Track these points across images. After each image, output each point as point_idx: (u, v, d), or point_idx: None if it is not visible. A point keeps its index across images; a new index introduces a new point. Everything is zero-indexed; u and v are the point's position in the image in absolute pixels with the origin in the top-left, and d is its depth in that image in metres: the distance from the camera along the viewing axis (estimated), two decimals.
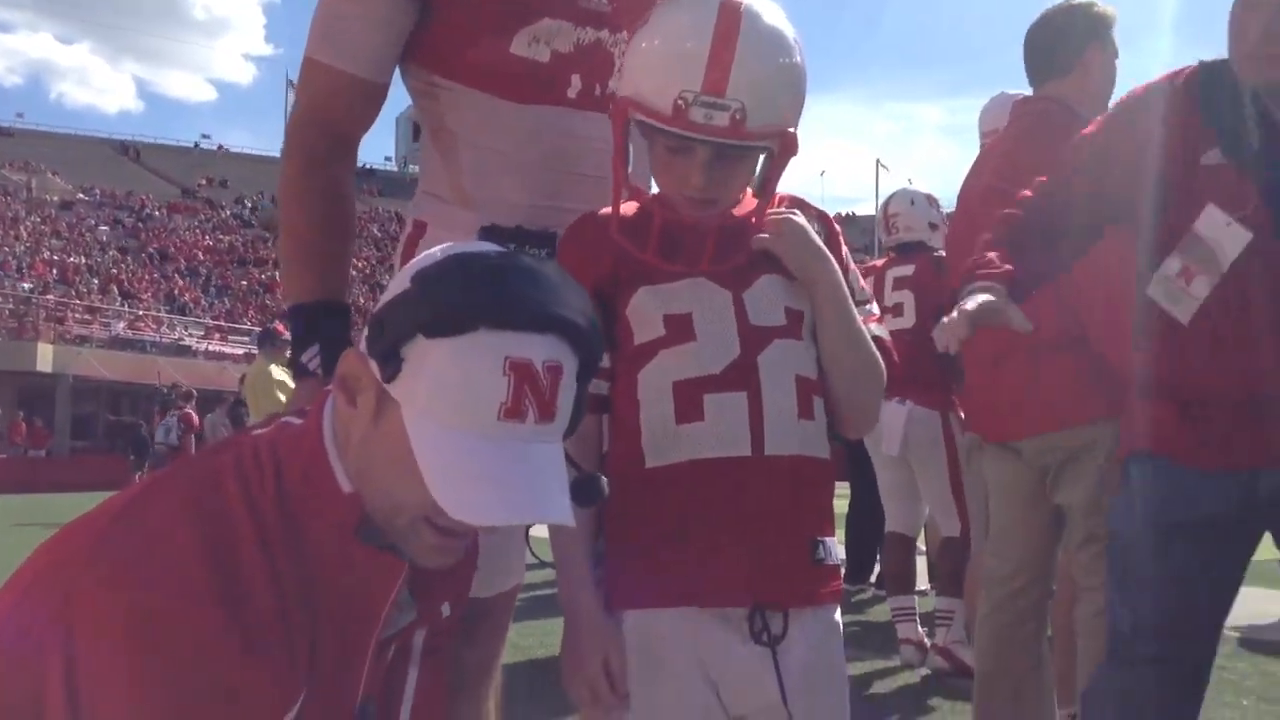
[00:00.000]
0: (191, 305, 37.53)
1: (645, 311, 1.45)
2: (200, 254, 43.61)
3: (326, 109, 1.60)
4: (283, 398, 8.89)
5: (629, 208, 1.50)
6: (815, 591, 1.43)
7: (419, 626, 1.27)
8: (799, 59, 1.41)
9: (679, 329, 1.43)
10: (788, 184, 1.54)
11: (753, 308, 1.45)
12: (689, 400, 1.41)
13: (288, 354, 1.67)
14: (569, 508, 1.10)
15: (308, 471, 1.12)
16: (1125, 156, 1.97)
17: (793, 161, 1.46)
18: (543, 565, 1.67)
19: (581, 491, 1.15)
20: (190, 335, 33.14)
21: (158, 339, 31.88)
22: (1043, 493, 2.66)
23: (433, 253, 1.15)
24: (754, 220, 1.49)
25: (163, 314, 34.59)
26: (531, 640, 4.86)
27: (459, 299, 1.06)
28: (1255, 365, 1.85)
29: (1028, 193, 2.13)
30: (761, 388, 1.41)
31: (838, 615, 1.49)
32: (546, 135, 1.65)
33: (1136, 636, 1.95)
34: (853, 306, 1.49)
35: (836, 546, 1.47)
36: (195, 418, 16.39)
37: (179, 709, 0.99)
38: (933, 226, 4.72)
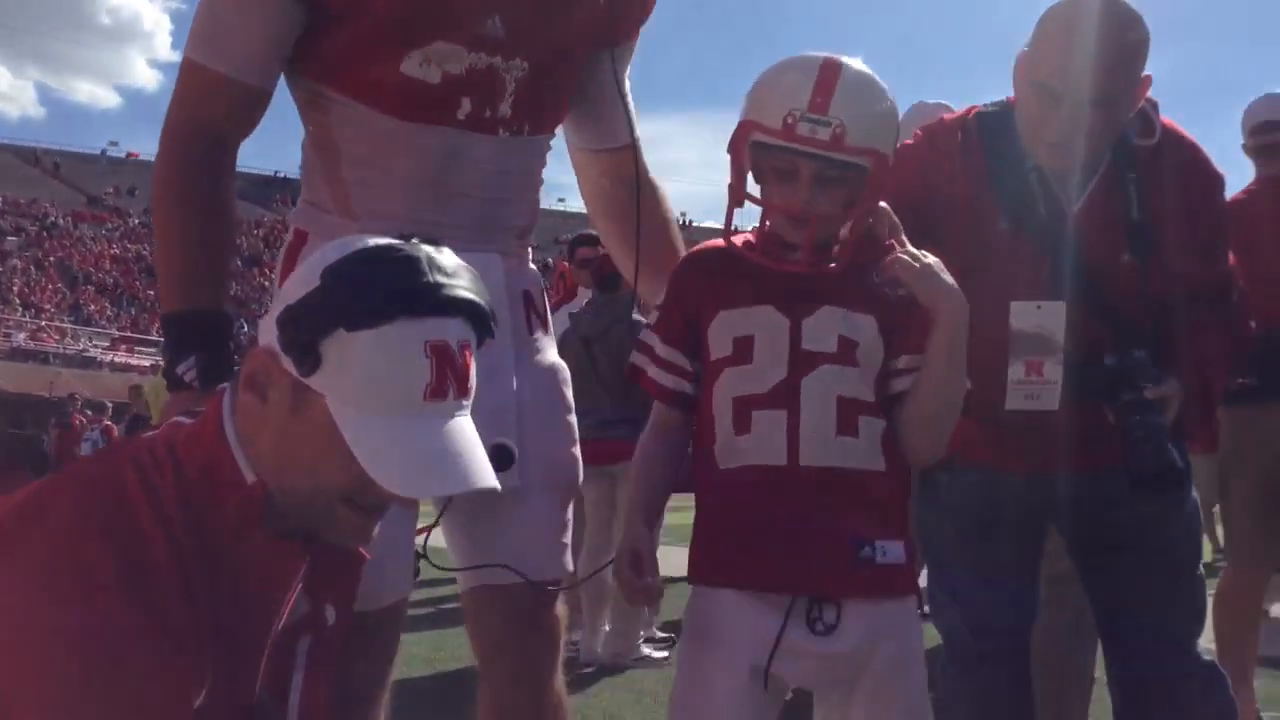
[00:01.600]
0: (97, 316, 36.54)
1: (719, 333, 1.66)
2: (107, 263, 42.51)
3: (206, 112, 1.57)
4: None
5: (740, 237, 1.71)
6: (864, 586, 1.58)
7: (304, 632, 1.30)
8: (891, 100, 1.64)
9: (742, 350, 1.64)
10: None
11: (807, 335, 1.63)
12: (742, 414, 1.62)
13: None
14: (493, 475, 1.19)
15: (209, 464, 1.16)
16: (930, 196, 2.06)
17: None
18: (440, 580, 1.73)
19: (497, 459, 1.24)
20: (95, 346, 32.26)
21: (61, 350, 30.97)
22: None
23: (334, 248, 1.19)
24: (866, 266, 1.66)
25: (66, 324, 33.60)
26: (442, 653, 4.88)
27: (378, 292, 1.13)
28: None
29: None
30: (801, 406, 1.60)
31: (905, 608, 1.64)
32: (432, 154, 1.66)
33: (969, 638, 2.09)
34: (963, 348, 1.64)
35: (894, 547, 1.61)
36: (114, 429, 16.02)
37: (87, 697, 1.01)
38: None
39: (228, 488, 1.16)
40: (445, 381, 1.15)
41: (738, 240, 1.70)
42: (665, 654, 5.08)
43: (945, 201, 2.05)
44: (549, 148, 1.85)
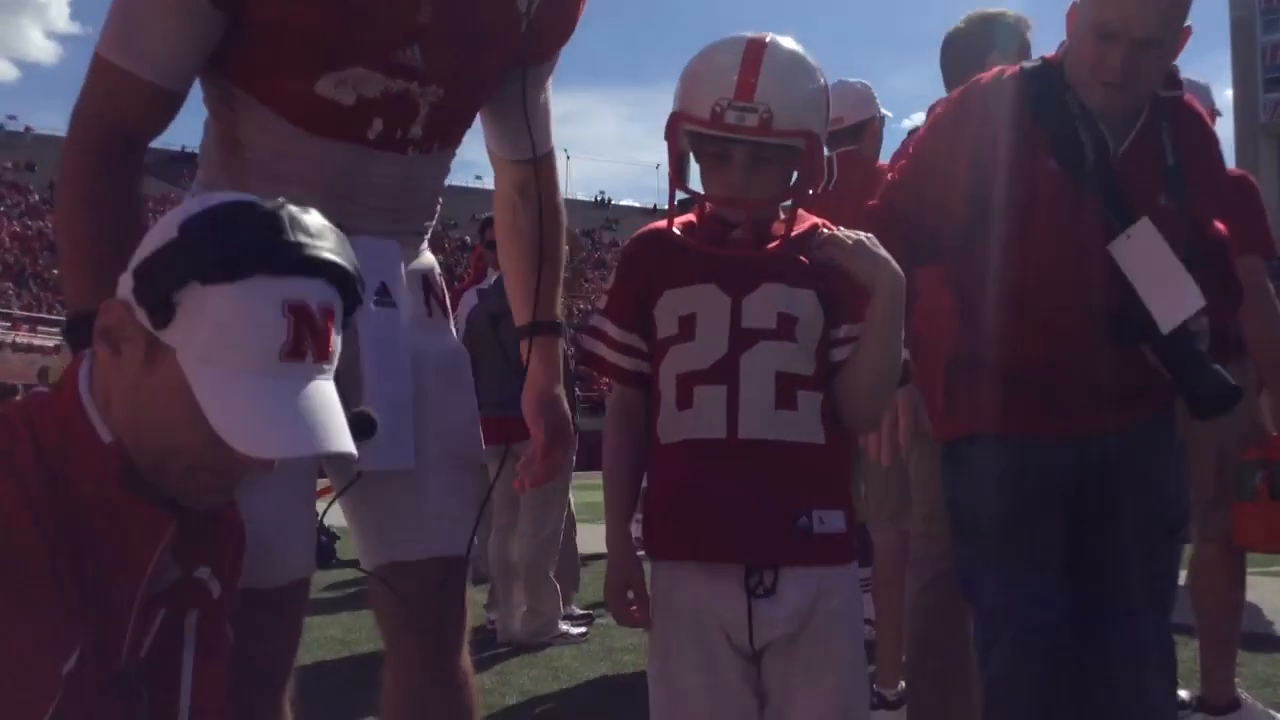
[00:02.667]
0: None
1: (666, 312, 1.72)
2: (7, 240, 41.03)
3: (119, 113, 1.53)
4: None
5: (683, 218, 1.76)
6: (800, 554, 1.65)
7: (189, 606, 1.28)
8: (819, 77, 1.68)
9: (685, 329, 1.70)
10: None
11: (747, 312, 1.68)
12: (685, 390, 1.68)
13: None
14: (349, 439, 1.17)
15: (64, 427, 1.13)
16: (969, 154, 2.14)
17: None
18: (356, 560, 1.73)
19: (357, 426, 1.21)
20: None
21: None
22: None
23: (195, 202, 1.17)
24: (802, 239, 1.69)
25: None
26: (356, 635, 4.85)
27: (235, 246, 1.10)
28: (1083, 348, 2.08)
29: (897, 200, 2.23)
30: (740, 382, 1.65)
31: (843, 574, 1.70)
32: (337, 168, 1.65)
33: (1010, 611, 2.10)
34: (901, 319, 1.69)
35: (833, 516, 1.68)
36: None
37: None
38: None
39: (84, 449, 1.13)
40: (303, 342, 1.12)
41: (681, 221, 1.74)
42: (583, 630, 5.12)
43: (991, 157, 2.12)
44: (454, 156, 1.85)
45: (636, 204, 77.92)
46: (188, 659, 1.27)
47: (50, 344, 30.35)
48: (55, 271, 37.70)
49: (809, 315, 1.69)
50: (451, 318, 1.92)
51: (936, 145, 2.25)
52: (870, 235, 1.68)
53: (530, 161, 1.86)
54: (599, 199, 77.58)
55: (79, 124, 1.54)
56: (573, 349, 5.10)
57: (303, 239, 1.14)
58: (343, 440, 1.15)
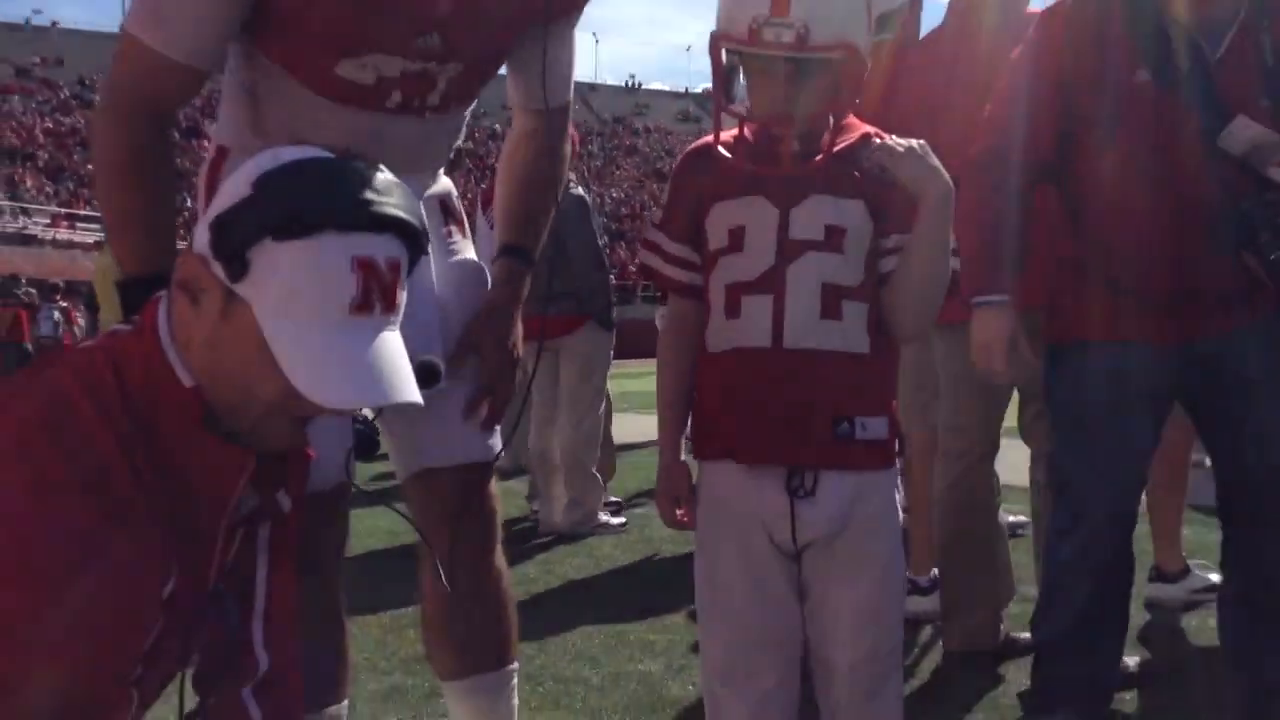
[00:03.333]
0: (34, 192, 35.50)
1: (716, 224, 1.75)
2: (41, 137, 41.10)
3: (148, 88, 1.58)
4: None
5: (729, 133, 1.77)
6: (840, 458, 1.70)
7: (263, 520, 1.35)
8: None
9: (735, 240, 1.73)
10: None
11: (795, 224, 1.70)
12: (733, 299, 1.72)
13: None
14: (416, 390, 1.22)
15: (148, 370, 1.18)
16: (1059, 73, 2.18)
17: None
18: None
19: (423, 375, 1.27)
20: (35, 224, 31.42)
21: (1, 229, 30.17)
22: (988, 373, 2.83)
23: (268, 157, 1.20)
24: (851, 149, 1.71)
25: (4, 203, 32.65)
26: (404, 525, 4.99)
27: (305, 204, 1.13)
28: (1181, 255, 2.13)
29: (980, 147, 2.29)
30: (786, 292, 1.68)
31: (882, 478, 1.75)
32: (355, 133, 1.67)
33: (1092, 498, 2.24)
34: (949, 229, 1.70)
35: (875, 423, 1.72)
36: (73, 311, 15.82)
37: (68, 593, 1.05)
38: None
39: (167, 392, 1.18)
40: (371, 296, 1.16)
41: (730, 134, 1.76)
42: (623, 520, 5.24)
43: (1084, 61, 2.16)
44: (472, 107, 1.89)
45: (667, 87, 76.74)
46: (262, 567, 1.36)
47: (90, 240, 30.61)
48: (90, 167, 37.83)
49: (857, 226, 1.71)
50: (469, 236, 1.97)
51: (1023, 76, 2.26)
52: (921, 142, 1.68)
53: (537, 112, 1.89)
54: (629, 83, 76.25)
55: (110, 98, 1.59)
56: (604, 238, 5.14)
57: (370, 196, 1.16)
58: (410, 390, 1.20)
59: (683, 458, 1.85)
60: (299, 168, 1.17)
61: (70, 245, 30.48)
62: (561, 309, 4.73)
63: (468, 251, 1.93)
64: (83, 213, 33.11)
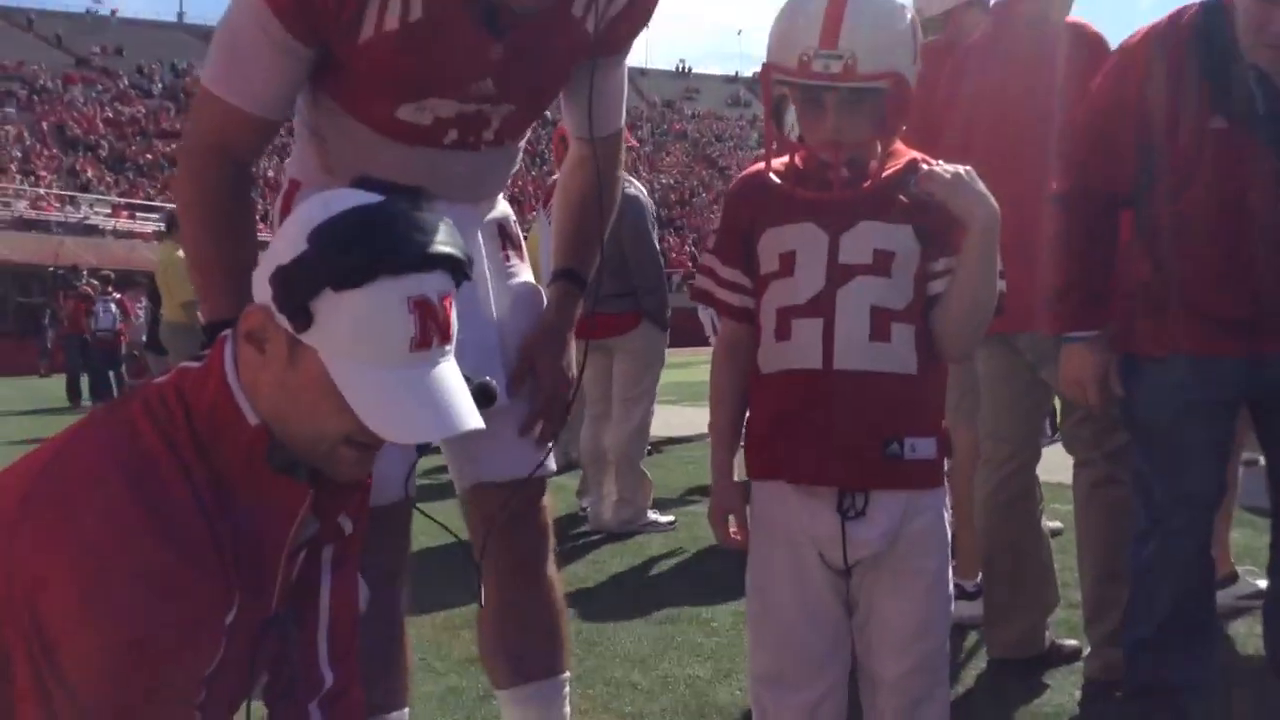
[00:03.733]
0: (95, 182, 36.21)
1: (768, 249, 1.81)
2: (101, 126, 41.88)
3: (226, 141, 1.66)
4: None
5: (780, 159, 1.84)
6: (889, 479, 1.75)
7: (325, 542, 1.44)
8: (905, 15, 1.70)
9: (785, 265, 1.78)
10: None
11: (845, 249, 1.75)
12: (784, 322, 1.78)
13: None
14: (478, 416, 1.30)
15: (215, 409, 1.27)
16: (1137, 114, 2.27)
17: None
18: None
19: (480, 398, 1.34)
20: (96, 214, 32.09)
21: (63, 219, 30.84)
22: (1034, 380, 2.87)
23: (319, 207, 1.27)
24: (897, 175, 1.76)
25: (67, 192, 33.35)
26: (461, 520, 5.10)
27: (359, 254, 1.21)
28: (1253, 283, 2.24)
29: (1065, 184, 2.40)
30: (836, 315, 1.74)
31: (931, 497, 1.80)
32: (414, 167, 1.76)
33: (1174, 507, 2.34)
34: (996, 254, 1.74)
35: (924, 443, 1.77)
36: (127, 301, 16.13)
37: (138, 625, 1.13)
38: None
39: (233, 430, 1.27)
40: (429, 333, 1.24)
41: (780, 161, 1.83)
42: (671, 519, 5.31)
43: (1162, 105, 2.23)
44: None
45: (718, 72, 76.17)
46: (325, 585, 1.44)
47: (148, 229, 31.21)
48: (149, 157, 38.54)
49: (905, 250, 1.76)
50: (526, 257, 2.04)
51: (1102, 116, 2.34)
52: (968, 169, 1.73)
53: (587, 140, 1.95)
54: (679, 67, 75.94)
55: (191, 152, 1.68)
56: (654, 224, 5.19)
57: (418, 238, 1.24)
58: (473, 419, 1.28)
59: (735, 477, 1.91)
60: (350, 220, 1.24)
61: (130, 235, 31.08)
62: (617, 307, 4.80)
63: (524, 274, 2.00)
64: (141, 202, 33.74)
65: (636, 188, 5.09)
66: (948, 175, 1.71)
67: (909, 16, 1.72)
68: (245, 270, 1.33)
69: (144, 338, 12.44)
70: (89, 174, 36.78)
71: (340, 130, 1.77)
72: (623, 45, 1.89)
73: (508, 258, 1.97)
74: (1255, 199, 2.18)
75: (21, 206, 30.44)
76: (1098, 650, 2.85)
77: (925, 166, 1.74)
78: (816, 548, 1.79)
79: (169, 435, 1.23)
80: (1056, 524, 4.56)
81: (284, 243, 1.26)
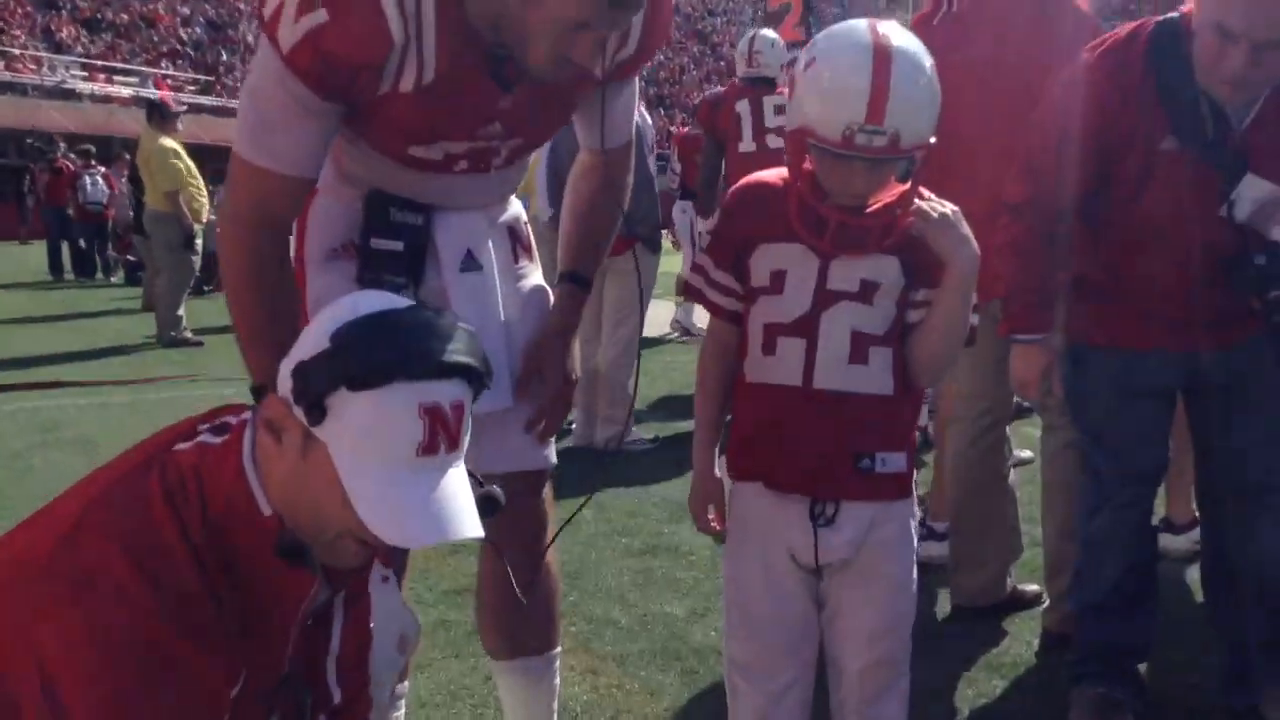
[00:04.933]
0: (70, 43, 35.19)
1: (760, 264, 1.86)
2: None
3: (265, 205, 1.67)
4: (183, 171, 8.76)
5: (781, 174, 1.87)
6: (859, 490, 1.85)
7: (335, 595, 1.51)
8: (933, 76, 1.71)
9: (775, 282, 1.85)
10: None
11: (833, 275, 1.81)
12: (769, 338, 1.85)
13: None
14: (479, 524, 1.33)
15: (231, 499, 1.32)
16: (1093, 130, 2.31)
17: None
18: None
19: (485, 506, 1.38)
20: (73, 77, 31.28)
21: (39, 81, 30.07)
22: (1007, 343, 2.96)
23: (346, 306, 1.32)
24: (888, 209, 1.79)
25: (42, 53, 32.44)
26: None
27: (376, 358, 1.25)
28: (1192, 292, 2.34)
29: (1020, 193, 2.47)
30: (819, 337, 1.81)
31: (899, 507, 1.89)
32: (425, 187, 1.82)
33: (1119, 483, 2.51)
34: (972, 293, 1.81)
35: (895, 458, 1.86)
36: (113, 178, 15.93)
37: (149, 702, 1.20)
38: (782, 67, 6.06)
39: (247, 520, 1.32)
40: (436, 440, 1.27)
41: (779, 176, 1.88)
42: (653, 436, 5.43)
43: (1117, 125, 2.28)
44: None
45: None
46: (336, 620, 1.51)
47: (125, 93, 30.53)
48: (125, 17, 37.37)
49: (890, 281, 1.82)
50: (536, 258, 2.08)
51: (1063, 127, 2.38)
52: (955, 210, 1.78)
53: (595, 151, 1.98)
54: None
55: (232, 221, 1.69)
56: (652, 149, 5.22)
57: (436, 346, 1.27)
58: (471, 527, 1.31)
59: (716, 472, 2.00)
60: (372, 323, 1.28)
61: (107, 100, 30.38)
62: None
63: (534, 276, 2.05)
64: (121, 65, 32.88)
65: (639, 112, 5.06)
66: (935, 214, 1.76)
67: (930, 70, 1.72)
68: (293, 335, 1.36)
69: (130, 219, 12.33)
70: (64, 34, 35.69)
71: (358, 155, 1.80)
72: (631, 74, 1.90)
73: (517, 260, 2.01)
74: (1198, 215, 2.26)
75: None
76: (1055, 604, 3.00)
77: (917, 202, 1.78)
78: (789, 549, 1.89)
79: (183, 520, 1.28)
80: (1028, 453, 4.72)
81: (309, 339, 1.30)
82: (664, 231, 6.73)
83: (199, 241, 9.24)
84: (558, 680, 2.15)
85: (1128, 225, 2.35)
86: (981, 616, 3.19)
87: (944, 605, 3.30)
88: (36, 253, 18.22)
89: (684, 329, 9.34)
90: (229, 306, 1.73)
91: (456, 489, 1.31)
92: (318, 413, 1.26)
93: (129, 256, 14.54)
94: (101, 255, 16.80)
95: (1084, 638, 2.62)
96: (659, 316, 8.99)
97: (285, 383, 1.30)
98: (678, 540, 3.95)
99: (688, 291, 2.01)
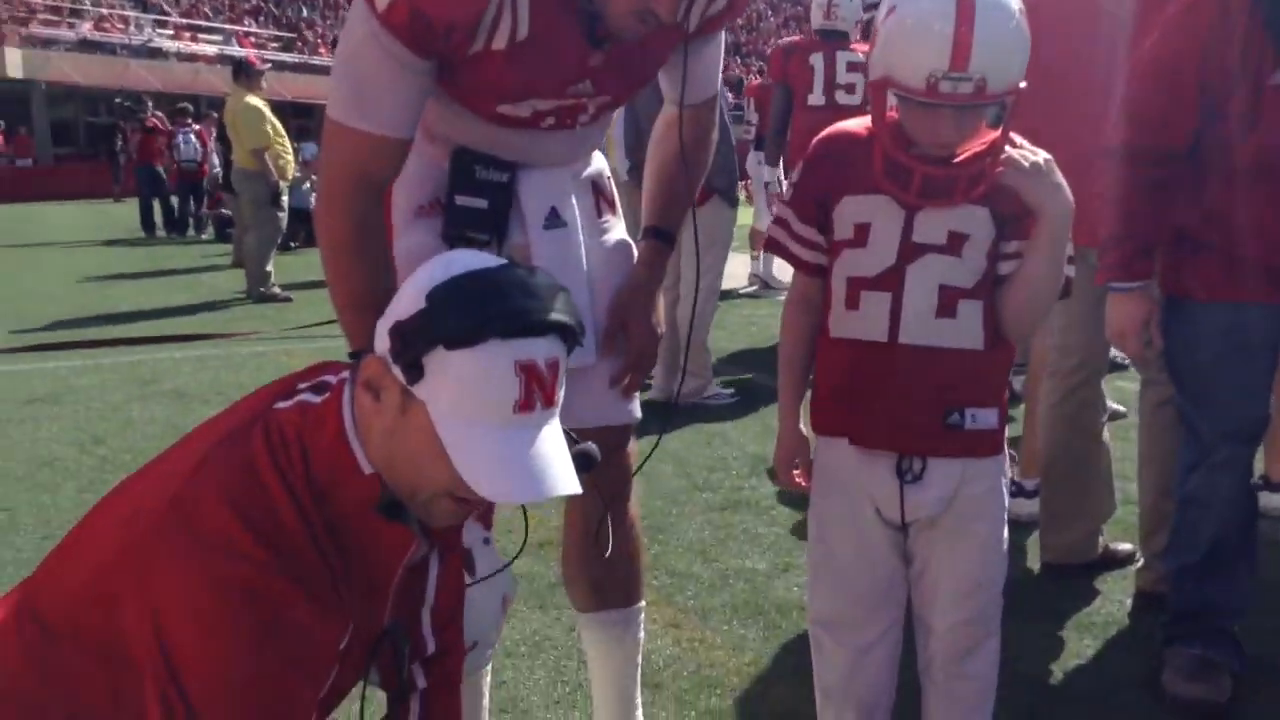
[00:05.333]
0: (156, 1, 35.80)
1: (843, 216, 1.83)
2: None
3: (363, 168, 1.66)
4: (269, 129, 8.89)
5: (865, 123, 1.83)
6: (948, 447, 1.81)
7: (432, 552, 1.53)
8: (1021, 18, 1.65)
9: (860, 235, 1.81)
10: None
11: (919, 227, 1.77)
12: (853, 292, 1.82)
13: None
14: (576, 481, 1.33)
15: (333, 458, 1.33)
16: (1199, 67, 2.22)
17: None
18: None
19: (581, 462, 1.37)
20: (160, 36, 31.87)
21: (127, 40, 30.69)
22: (1102, 295, 2.89)
23: (439, 266, 1.32)
24: (977, 158, 1.74)
25: (129, 12, 33.08)
26: None
27: (472, 316, 1.25)
28: None
29: (1120, 136, 2.37)
30: (904, 291, 1.77)
31: (989, 464, 1.85)
32: (510, 143, 1.80)
33: (1218, 443, 2.43)
34: (1066, 244, 1.76)
35: (985, 414, 1.82)
36: (205, 134, 16.30)
37: (262, 655, 1.23)
38: (857, 23, 6.10)
39: (348, 479, 1.33)
40: (533, 397, 1.27)
41: (864, 125, 1.82)
42: (731, 391, 5.41)
43: (1222, 60, 2.20)
44: None
45: None
46: (433, 570, 1.54)
47: (210, 51, 31.01)
48: None
49: (979, 233, 1.77)
50: (620, 213, 2.06)
51: (1164, 68, 2.29)
52: (1047, 158, 1.72)
53: (677, 104, 1.93)
54: None
55: (330, 185, 1.68)
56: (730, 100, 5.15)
57: (531, 304, 1.27)
58: (568, 483, 1.30)
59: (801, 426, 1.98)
60: (467, 282, 1.28)
61: (193, 58, 30.91)
62: None
63: (618, 231, 2.03)
64: (205, 24, 33.41)
65: None
66: (1026, 164, 1.70)
67: (1019, 12, 1.66)
68: (389, 296, 1.36)
69: (220, 177, 12.60)
70: None
71: (444, 111, 1.78)
72: (718, 29, 1.87)
73: (601, 215, 2.00)
74: None
75: (85, 28, 30.28)
76: (1150, 563, 2.93)
77: (1008, 150, 1.72)
78: (874, 504, 1.86)
79: (288, 479, 1.30)
80: (1121, 408, 4.60)
81: (404, 298, 1.30)
82: (740, 184, 6.65)
83: (285, 199, 9.38)
84: (642, 633, 2.16)
85: (1233, 167, 2.25)
86: (1073, 575, 3.13)
87: (1034, 564, 3.25)
88: (129, 211, 18.68)
89: (762, 282, 9.28)
90: (326, 272, 1.72)
91: (553, 446, 1.31)
92: (415, 372, 1.27)
93: (222, 211, 14.87)
94: (195, 213, 17.20)
95: (1179, 598, 2.56)
96: (736, 271, 8.93)
97: (383, 342, 1.31)
98: (759, 495, 3.94)
99: (769, 245, 1.97)
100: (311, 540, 1.28)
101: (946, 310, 1.78)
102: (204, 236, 16.47)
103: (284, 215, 9.48)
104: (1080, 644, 2.76)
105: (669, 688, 2.56)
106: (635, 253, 2.02)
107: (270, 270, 9.18)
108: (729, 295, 8.64)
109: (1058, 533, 3.17)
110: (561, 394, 1.33)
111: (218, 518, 1.25)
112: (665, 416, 4.95)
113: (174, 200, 17.13)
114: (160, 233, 16.92)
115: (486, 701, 2.04)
